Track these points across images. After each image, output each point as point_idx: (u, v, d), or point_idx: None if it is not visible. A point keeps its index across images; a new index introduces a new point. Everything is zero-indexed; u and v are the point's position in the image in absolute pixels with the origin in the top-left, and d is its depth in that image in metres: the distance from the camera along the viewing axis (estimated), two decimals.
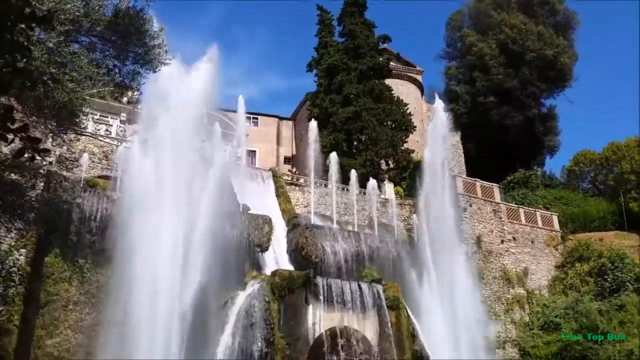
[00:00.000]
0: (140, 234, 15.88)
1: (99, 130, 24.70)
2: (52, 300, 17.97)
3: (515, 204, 35.18)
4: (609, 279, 28.58)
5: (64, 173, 18.33)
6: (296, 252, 23.40)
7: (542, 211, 34.99)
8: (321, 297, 17.73)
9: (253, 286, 17.75)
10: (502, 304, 28.93)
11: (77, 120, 14.89)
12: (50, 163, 17.92)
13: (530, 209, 34.72)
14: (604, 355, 23.88)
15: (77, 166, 20.37)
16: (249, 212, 22.75)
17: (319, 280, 18.13)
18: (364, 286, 19.05)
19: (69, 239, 18.74)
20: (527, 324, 28.96)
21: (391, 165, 37.87)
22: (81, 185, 20.07)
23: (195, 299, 15.87)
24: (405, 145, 38.10)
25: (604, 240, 33.52)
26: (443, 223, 24.89)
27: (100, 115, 26.07)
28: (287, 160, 47.76)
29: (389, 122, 38.24)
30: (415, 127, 39.48)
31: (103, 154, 23.54)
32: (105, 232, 18.05)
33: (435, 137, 27.25)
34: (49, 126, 14.32)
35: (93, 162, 22.93)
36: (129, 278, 15.37)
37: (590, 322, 25.84)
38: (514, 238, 31.69)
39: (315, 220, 26.36)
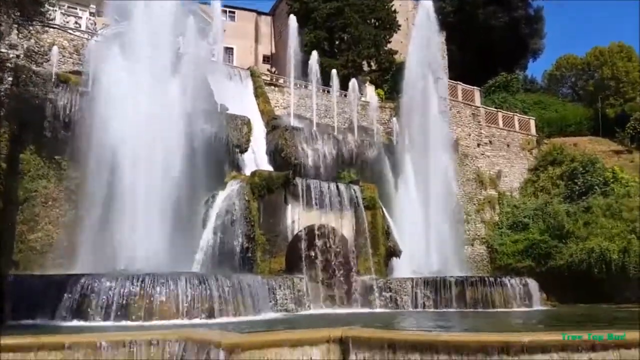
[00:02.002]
0: (117, 135, 15.61)
1: (67, 22, 23.35)
2: (31, 196, 18.08)
3: (495, 107, 35.30)
4: (579, 183, 29.60)
5: (34, 67, 17.58)
6: (275, 154, 23.49)
7: (520, 115, 35.29)
8: (300, 197, 18.07)
9: (233, 186, 17.95)
10: (474, 204, 30.05)
11: (43, 9, 14.09)
12: (18, 56, 17.13)
13: (509, 113, 34.95)
14: (567, 253, 25.32)
15: (47, 60, 19.47)
16: (227, 112, 22.41)
17: (298, 181, 18.38)
18: (342, 187, 19.41)
19: (43, 135, 18.45)
20: (496, 223, 30.32)
21: (373, 67, 37.13)
22: (52, 80, 19.36)
23: (175, 197, 16.01)
24: (389, 46, 37.13)
25: (578, 145, 34.30)
26: (422, 126, 24.99)
27: (68, 7, 24.57)
28: (266, 59, 46.32)
29: (372, 20, 36.92)
30: (399, 26, 38.24)
31: (73, 48, 22.50)
32: (80, 129, 17.71)
33: (420, 38, 26.50)
34: (12, 16, 13.54)
35: (64, 56, 21.94)
36: (106, 174, 15.37)
37: (557, 223, 27.10)
38: (490, 142, 32.19)
39: (294, 122, 26.19)
